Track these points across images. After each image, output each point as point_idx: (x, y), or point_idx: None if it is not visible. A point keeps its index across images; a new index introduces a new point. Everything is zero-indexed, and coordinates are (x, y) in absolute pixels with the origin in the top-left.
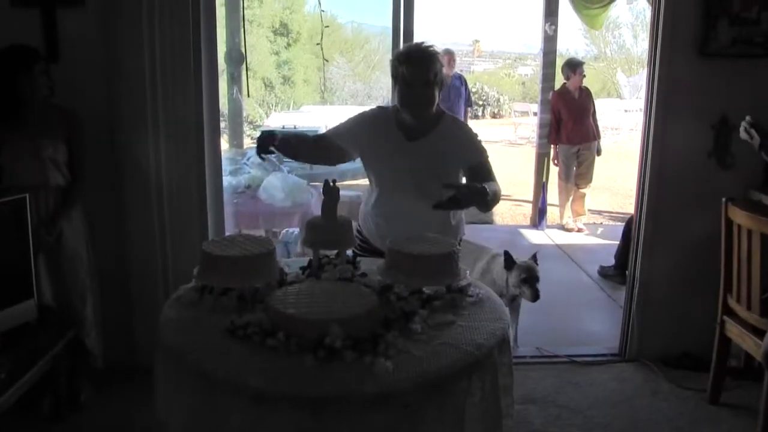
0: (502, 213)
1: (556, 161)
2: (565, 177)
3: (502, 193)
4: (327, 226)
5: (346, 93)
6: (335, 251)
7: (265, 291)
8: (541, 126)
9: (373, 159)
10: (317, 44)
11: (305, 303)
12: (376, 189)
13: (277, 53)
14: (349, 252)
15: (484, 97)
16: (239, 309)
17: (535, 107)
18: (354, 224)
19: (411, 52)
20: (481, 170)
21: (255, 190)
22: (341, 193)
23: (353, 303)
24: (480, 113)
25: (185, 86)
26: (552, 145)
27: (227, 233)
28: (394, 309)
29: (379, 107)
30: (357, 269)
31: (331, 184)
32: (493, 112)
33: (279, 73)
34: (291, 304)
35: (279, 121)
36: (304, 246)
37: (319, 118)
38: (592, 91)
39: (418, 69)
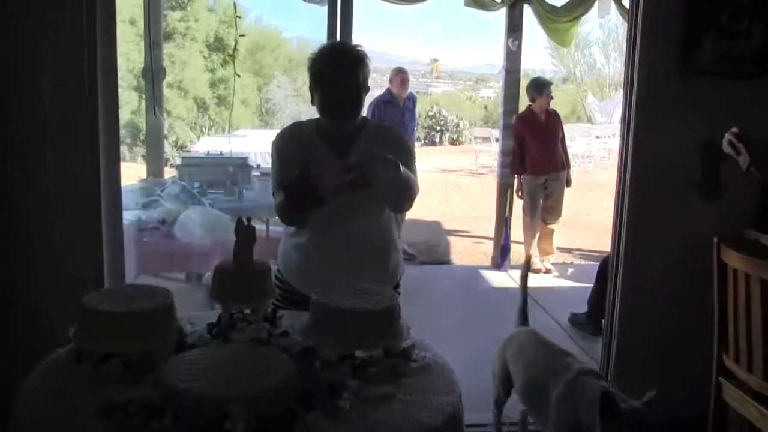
0: (460, 252)
1: (520, 193)
2: (530, 211)
3: (456, 230)
4: (239, 274)
5: (287, 115)
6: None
7: (158, 357)
8: (504, 154)
9: None
10: (229, 55)
11: (204, 373)
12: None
13: (211, 71)
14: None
15: (442, 122)
16: (124, 381)
17: (498, 133)
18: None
19: (337, 49)
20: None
21: (170, 226)
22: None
23: (263, 373)
24: (437, 139)
25: (76, 105)
26: (515, 176)
27: (129, 280)
28: (317, 380)
29: (293, 123)
30: (277, 327)
31: (245, 222)
32: (452, 139)
33: (213, 92)
34: (186, 375)
35: (206, 146)
36: (211, 299)
37: (254, 142)
38: (561, 114)
39: (346, 68)
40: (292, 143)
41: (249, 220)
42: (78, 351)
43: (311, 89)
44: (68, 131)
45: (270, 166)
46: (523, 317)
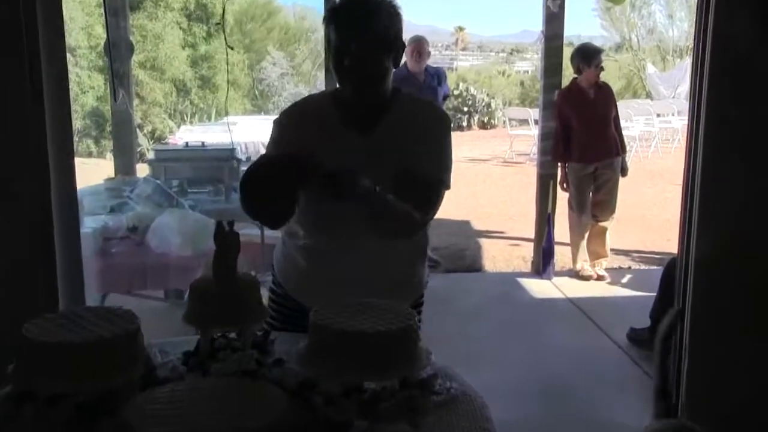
0: (493, 257)
1: (564, 185)
2: (578, 206)
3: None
4: (220, 291)
5: (284, 98)
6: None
7: (121, 396)
8: (544, 138)
9: None
10: (217, 24)
11: (176, 416)
12: (307, 213)
13: (192, 46)
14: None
15: (470, 102)
16: (78, 427)
17: (536, 113)
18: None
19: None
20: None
21: (142, 234)
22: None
23: (250, 413)
24: (465, 123)
25: (12, 89)
26: (559, 164)
27: (93, 302)
28: (317, 419)
29: (302, 98)
30: (268, 355)
31: (227, 227)
32: (482, 122)
33: (195, 72)
34: (155, 417)
35: (186, 137)
36: (187, 323)
37: (245, 131)
38: (613, 89)
39: (362, 22)
40: (301, 120)
41: (231, 224)
42: (19, 393)
43: (327, 49)
44: (4, 123)
45: None
46: (665, 403)
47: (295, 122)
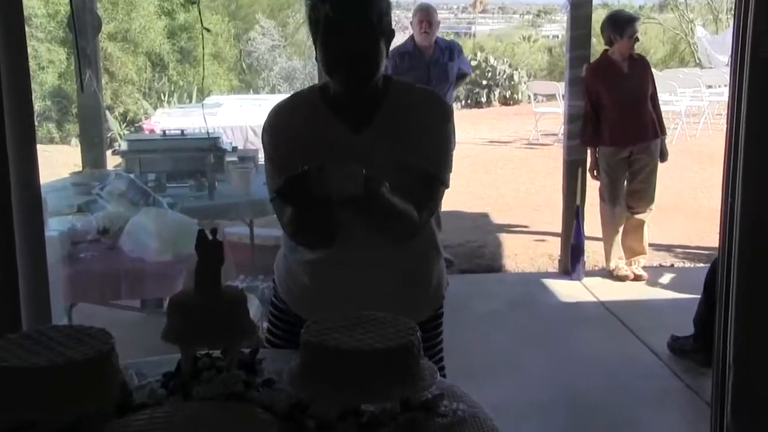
0: (516, 255)
1: (595, 172)
2: (610, 196)
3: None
4: (202, 307)
5: (276, 74)
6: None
7: (93, 425)
8: (571, 119)
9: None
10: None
11: None
12: None
13: (169, 14)
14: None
15: (490, 74)
16: None
17: (563, 87)
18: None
19: None
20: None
21: (115, 237)
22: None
23: None
24: (483, 98)
25: None
26: (588, 148)
27: (60, 314)
28: None
29: (288, 97)
30: (256, 375)
31: (210, 235)
32: (504, 97)
33: (173, 45)
34: None
35: (164, 122)
36: (166, 341)
37: (231, 114)
38: (653, 58)
39: (357, 6)
40: (289, 123)
41: (214, 232)
42: None
43: (312, 35)
44: None
45: (257, 151)
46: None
47: (283, 125)
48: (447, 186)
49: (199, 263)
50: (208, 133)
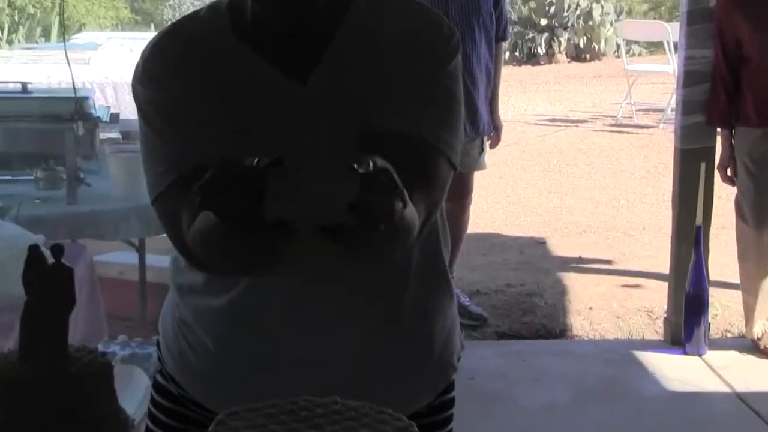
0: (593, 307)
1: (729, 171)
2: (755, 212)
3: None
4: (26, 389)
5: (188, 3)
6: None
7: None
8: (689, 81)
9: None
10: None
11: None
12: None
13: None
14: None
15: (554, 7)
16: None
17: (676, 31)
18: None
19: None
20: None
21: None
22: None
23: None
24: (540, 48)
25: None
26: (719, 130)
27: None
28: None
29: (173, 23)
30: None
31: (50, 257)
32: (575, 47)
33: None
34: None
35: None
36: None
37: (121, 66)
38: None
39: None
40: (181, 65)
41: (59, 251)
42: None
43: None
44: None
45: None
46: None
47: (170, 69)
48: (455, 165)
49: (27, 305)
50: (74, 91)
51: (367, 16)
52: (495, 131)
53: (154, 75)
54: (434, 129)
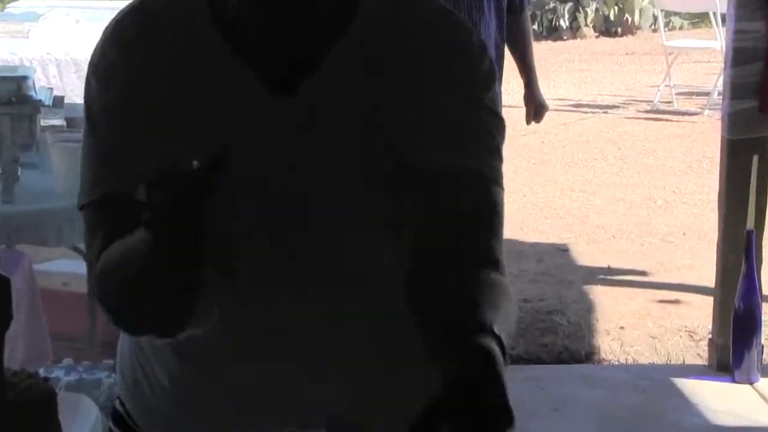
0: (624, 326)
1: None
2: None
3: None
4: None
5: None
6: None
7: None
8: (738, 60)
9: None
10: None
11: None
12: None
13: None
14: None
15: None
16: None
17: (724, 1)
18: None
19: None
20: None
21: None
22: None
23: None
24: (563, 22)
25: None
26: None
27: None
28: None
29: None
30: None
31: None
32: (604, 19)
33: None
34: None
35: None
36: None
37: (66, 40)
38: None
39: None
40: (148, 60)
41: None
42: None
43: None
44: None
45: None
46: None
47: (133, 61)
48: (501, 186)
49: None
50: (11, 70)
51: (375, 19)
52: (537, 111)
53: (110, 64)
54: (474, 152)
